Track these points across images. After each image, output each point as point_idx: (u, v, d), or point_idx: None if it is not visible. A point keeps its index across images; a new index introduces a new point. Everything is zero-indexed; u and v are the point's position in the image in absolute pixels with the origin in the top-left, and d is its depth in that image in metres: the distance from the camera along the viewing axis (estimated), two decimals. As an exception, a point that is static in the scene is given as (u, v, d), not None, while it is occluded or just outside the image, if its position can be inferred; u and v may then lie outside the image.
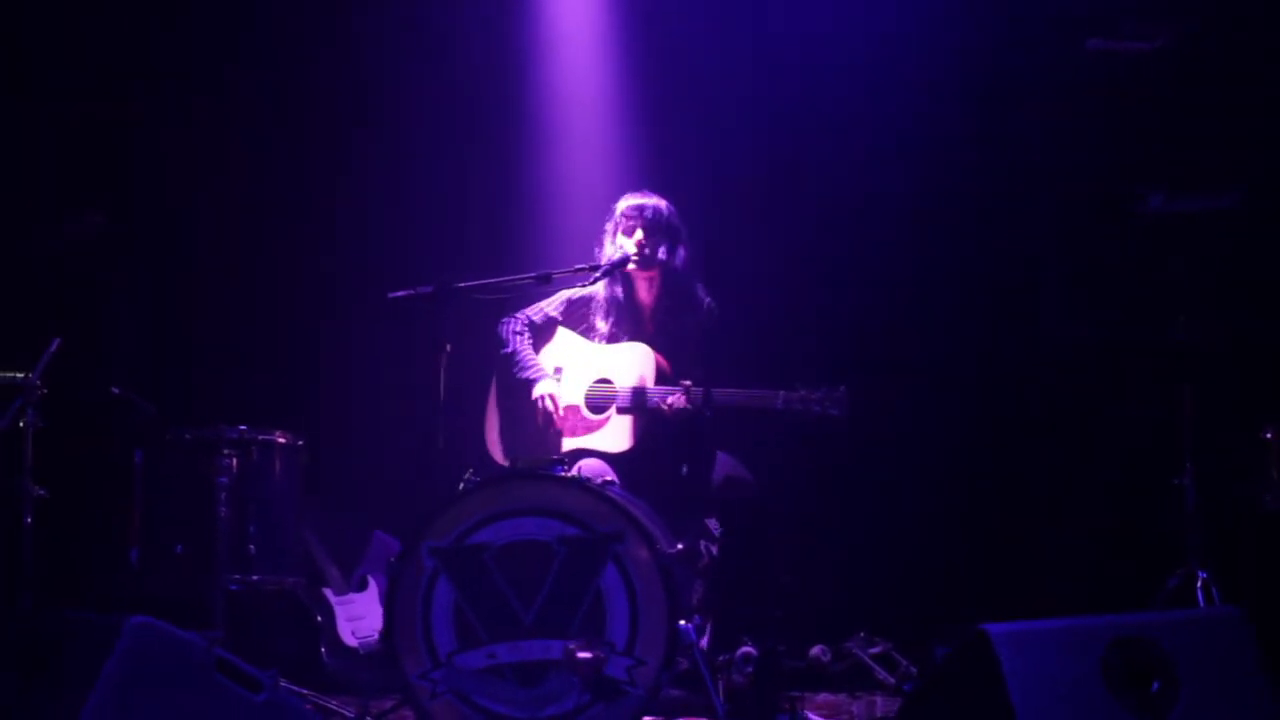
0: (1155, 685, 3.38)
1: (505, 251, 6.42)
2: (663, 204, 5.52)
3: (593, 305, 5.57)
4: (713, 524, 5.44)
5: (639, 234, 5.45)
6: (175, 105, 6.77)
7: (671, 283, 5.53)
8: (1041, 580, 6.19)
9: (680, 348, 5.43)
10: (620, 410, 5.36)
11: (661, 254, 5.46)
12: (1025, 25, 6.30)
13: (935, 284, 6.56)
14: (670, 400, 5.22)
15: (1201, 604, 5.14)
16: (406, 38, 6.75)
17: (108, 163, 6.63)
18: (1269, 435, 5.40)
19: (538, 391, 5.42)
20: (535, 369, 5.47)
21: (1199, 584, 5.24)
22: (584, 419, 5.42)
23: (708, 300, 5.57)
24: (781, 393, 5.13)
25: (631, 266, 5.46)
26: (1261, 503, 5.40)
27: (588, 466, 5.22)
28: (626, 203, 5.52)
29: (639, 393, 5.34)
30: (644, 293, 5.56)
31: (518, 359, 5.50)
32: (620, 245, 5.46)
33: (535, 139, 6.83)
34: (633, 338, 5.47)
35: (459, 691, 4.59)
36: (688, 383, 5.21)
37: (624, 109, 6.76)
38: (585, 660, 4.47)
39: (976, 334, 6.51)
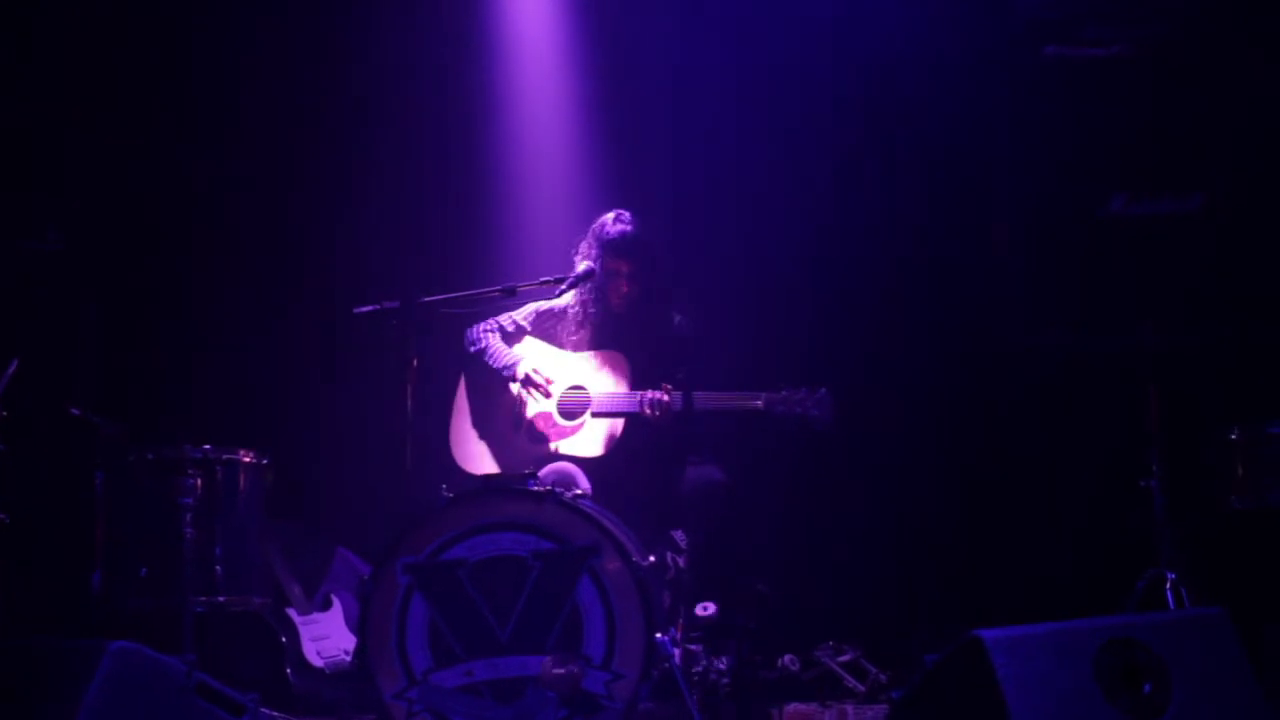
0: (1148, 687, 3.40)
1: (470, 265, 6.39)
2: (638, 230, 5.50)
3: (562, 317, 5.56)
4: (679, 536, 5.42)
5: (627, 268, 5.43)
6: (137, 122, 6.71)
7: (644, 294, 5.52)
8: (1011, 585, 6.21)
9: (654, 354, 5.41)
10: (594, 415, 5.34)
11: (645, 282, 5.46)
12: (986, 32, 6.34)
13: (905, 289, 6.58)
14: (651, 397, 5.19)
15: (1171, 605, 5.17)
16: (368, 53, 6.72)
17: (65, 179, 6.55)
18: (1235, 436, 5.45)
19: (522, 370, 5.38)
20: (509, 355, 5.45)
21: (1168, 585, 5.27)
22: (556, 425, 5.41)
23: (679, 317, 5.58)
24: (763, 394, 5.12)
25: (617, 303, 5.45)
26: (1228, 503, 5.44)
27: (557, 469, 5.20)
28: (609, 232, 5.48)
29: (611, 398, 5.32)
30: (615, 303, 5.53)
31: (490, 353, 5.48)
32: (604, 269, 5.44)
33: (499, 151, 6.81)
34: (605, 346, 5.45)
35: (436, 710, 4.56)
36: (667, 386, 5.18)
37: (589, 117, 6.76)
38: (563, 675, 4.45)
39: (945, 340, 6.53)
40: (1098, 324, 5.82)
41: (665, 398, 5.16)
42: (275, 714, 5.16)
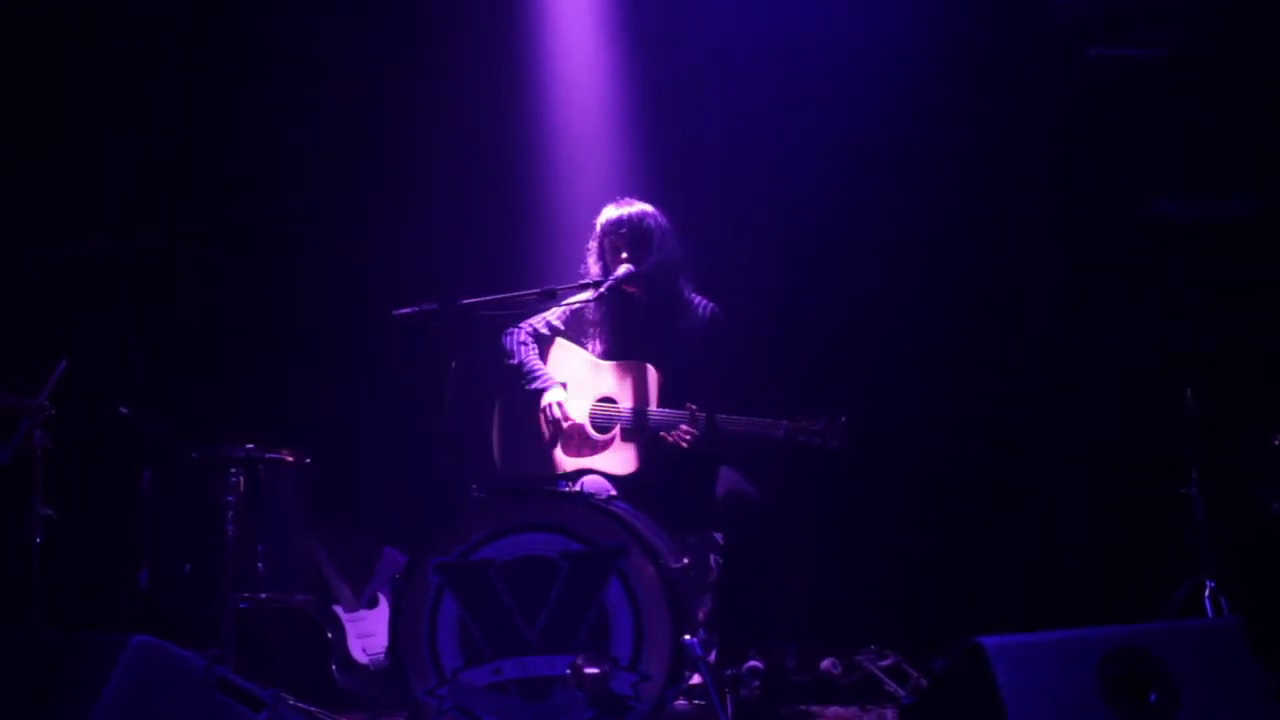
0: (1153, 697, 3.36)
1: (510, 267, 6.41)
2: (641, 211, 5.45)
3: (587, 320, 5.54)
4: (719, 538, 5.41)
5: (624, 253, 5.40)
6: (180, 125, 6.81)
7: (662, 292, 5.47)
8: (1050, 592, 6.15)
9: (679, 363, 5.36)
10: (624, 433, 5.32)
11: (646, 265, 5.40)
12: (1030, 33, 6.28)
13: (939, 292, 6.54)
14: (676, 434, 5.18)
15: (1210, 613, 5.11)
16: (408, 55, 6.77)
17: (111, 183, 6.67)
18: (1277, 442, 5.37)
19: (546, 400, 5.37)
20: (544, 378, 5.43)
21: (1207, 593, 5.21)
22: (589, 438, 5.39)
23: (707, 305, 5.50)
24: (784, 423, 5.02)
25: (628, 288, 5.43)
26: (1270, 510, 5.36)
27: (591, 484, 5.21)
28: (605, 217, 5.47)
29: (642, 415, 5.29)
30: (637, 307, 5.49)
31: (525, 369, 5.46)
32: (604, 264, 5.43)
33: (539, 153, 6.84)
34: (629, 354, 5.43)
35: (465, 708, 4.60)
36: (693, 407, 5.16)
37: (631, 119, 6.77)
38: (590, 676, 4.48)
39: (980, 342, 6.49)
40: (1137, 326, 5.74)
41: (692, 430, 5.14)
42: (313, 709, 5.23)
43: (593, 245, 5.50)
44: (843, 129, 6.52)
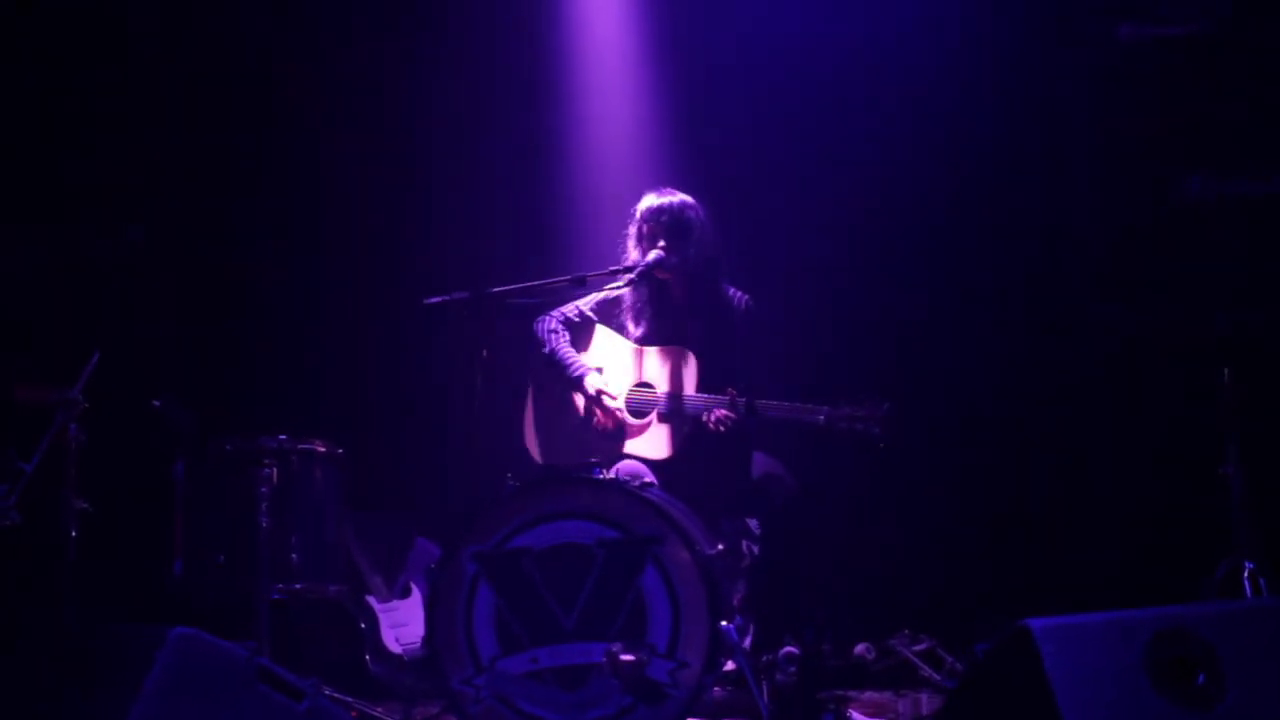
0: (1200, 678, 3.33)
1: (540, 254, 6.42)
2: (682, 201, 5.44)
3: (623, 307, 5.54)
4: (753, 524, 5.40)
5: (661, 240, 5.39)
6: (210, 118, 6.82)
7: (698, 282, 5.46)
8: (1086, 573, 6.13)
9: (716, 351, 5.36)
10: (661, 417, 5.31)
11: (687, 252, 5.40)
12: (1060, 12, 6.24)
13: (974, 275, 6.51)
14: (715, 416, 5.16)
15: (1249, 594, 5.07)
16: (436, 43, 6.77)
17: (143, 177, 6.67)
18: (1315, 422, 5.34)
19: (590, 386, 5.36)
20: (579, 365, 5.41)
21: (1245, 574, 5.17)
22: (625, 423, 5.38)
23: (741, 296, 5.49)
24: (825, 409, 4.96)
25: (660, 274, 5.41)
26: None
27: (626, 469, 5.20)
28: (646, 204, 5.46)
29: (679, 399, 5.28)
30: (674, 295, 5.49)
31: (558, 357, 5.45)
32: (644, 251, 5.42)
33: (569, 140, 6.84)
34: (666, 341, 5.42)
35: (502, 696, 4.61)
36: (733, 392, 5.14)
37: (657, 110, 6.75)
38: (627, 663, 4.48)
39: (1016, 326, 6.46)
40: (1175, 306, 5.70)
41: (731, 415, 5.11)
42: (348, 698, 5.23)
43: (631, 230, 5.49)
44: (874, 116, 6.51)
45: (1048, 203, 6.44)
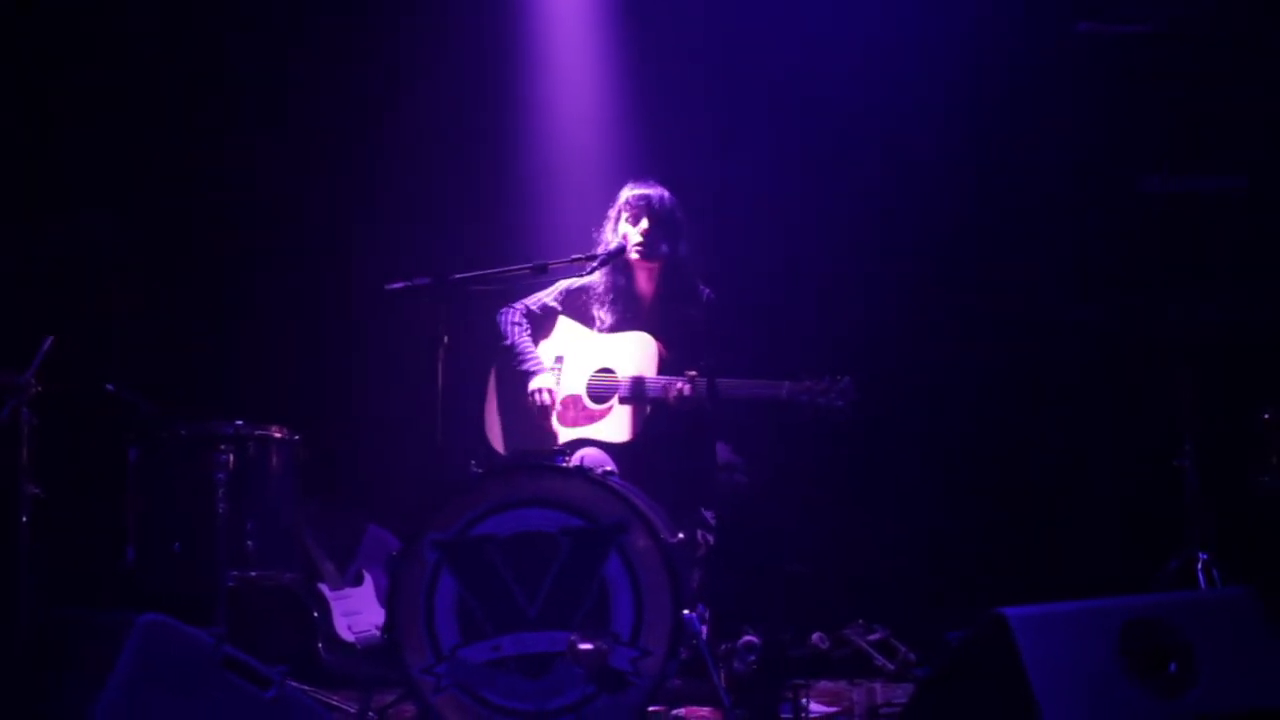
0: (1172, 666, 3.38)
1: (502, 242, 6.40)
2: (666, 194, 5.51)
3: (591, 295, 5.55)
4: (709, 515, 5.42)
5: (644, 223, 5.43)
6: (172, 103, 6.77)
7: (672, 274, 5.51)
8: (1041, 564, 6.20)
9: (682, 337, 5.41)
10: (622, 400, 5.34)
11: (665, 246, 5.44)
12: (1018, 10, 6.29)
13: (936, 271, 6.56)
14: (676, 388, 5.19)
15: (1203, 585, 5.14)
16: (399, 27, 6.73)
17: (101, 161, 6.60)
18: (1267, 417, 5.41)
19: (534, 385, 5.40)
20: (533, 361, 5.44)
21: (1199, 565, 5.25)
22: (585, 409, 5.40)
23: (707, 292, 5.55)
24: (786, 383, 5.09)
25: (634, 256, 5.43)
26: (1261, 483, 5.40)
27: (588, 456, 5.20)
28: (631, 191, 5.51)
29: (640, 382, 5.31)
30: (644, 283, 5.54)
31: (516, 351, 5.48)
32: (623, 233, 5.45)
33: (532, 127, 6.82)
34: (633, 327, 5.45)
35: (463, 685, 4.57)
36: (693, 373, 5.18)
37: (621, 96, 6.75)
38: (590, 652, 4.46)
39: (977, 320, 6.51)
40: (1133, 302, 5.76)
41: (689, 389, 5.15)
42: (304, 687, 5.18)
43: (611, 215, 5.51)
44: (836, 106, 6.53)
45: (1008, 201, 6.49)
